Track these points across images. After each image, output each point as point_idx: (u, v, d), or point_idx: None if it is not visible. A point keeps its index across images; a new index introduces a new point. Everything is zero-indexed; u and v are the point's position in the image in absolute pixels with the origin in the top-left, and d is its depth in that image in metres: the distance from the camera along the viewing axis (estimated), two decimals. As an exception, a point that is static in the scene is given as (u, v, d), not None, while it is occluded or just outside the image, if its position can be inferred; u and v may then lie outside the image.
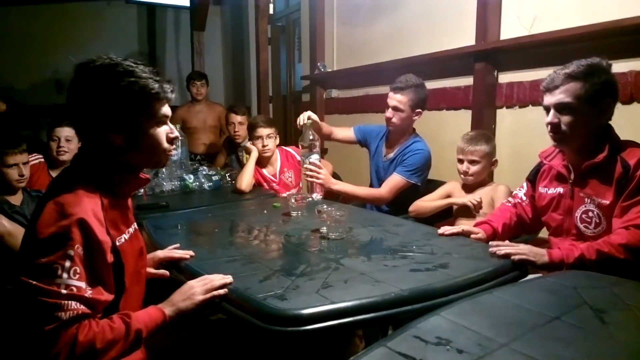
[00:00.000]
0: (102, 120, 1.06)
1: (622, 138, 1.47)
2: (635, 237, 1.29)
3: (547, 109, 1.48)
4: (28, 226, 1.03)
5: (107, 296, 1.01)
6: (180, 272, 1.35)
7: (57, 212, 0.97)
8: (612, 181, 1.38)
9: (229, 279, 1.15)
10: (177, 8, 5.40)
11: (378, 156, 2.52)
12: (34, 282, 0.92)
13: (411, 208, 2.22)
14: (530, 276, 1.33)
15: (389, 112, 2.31)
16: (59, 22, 5.01)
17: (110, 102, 1.05)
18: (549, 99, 1.45)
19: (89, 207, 1.00)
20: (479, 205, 1.98)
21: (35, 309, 0.92)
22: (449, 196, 2.19)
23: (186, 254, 1.38)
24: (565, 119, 1.42)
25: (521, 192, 1.71)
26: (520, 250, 1.34)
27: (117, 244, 1.08)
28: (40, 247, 0.94)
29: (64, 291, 0.92)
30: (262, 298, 1.05)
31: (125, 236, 1.13)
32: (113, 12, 5.27)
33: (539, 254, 1.35)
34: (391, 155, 2.43)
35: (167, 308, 1.09)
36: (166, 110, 1.14)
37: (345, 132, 2.67)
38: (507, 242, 1.42)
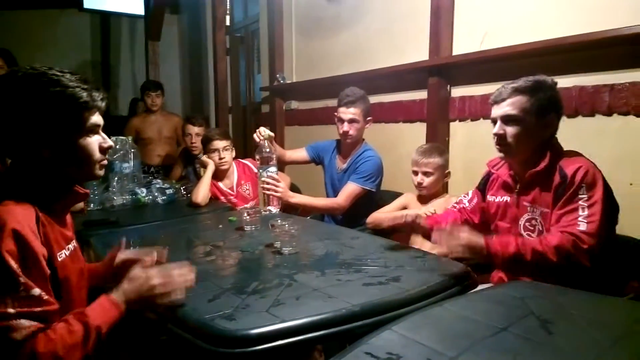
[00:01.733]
0: (28, 134, 1.01)
1: (576, 151, 1.51)
2: (568, 242, 1.32)
3: (494, 121, 1.52)
4: None
5: (56, 304, 0.97)
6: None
7: None
8: (551, 190, 1.43)
9: (191, 277, 1.12)
10: (132, 17, 5.29)
11: (332, 168, 2.56)
12: None
13: (368, 220, 2.24)
14: (480, 286, 1.35)
15: (345, 126, 2.37)
16: (10, 30, 4.83)
17: (36, 115, 1.00)
18: (496, 111, 1.50)
19: (21, 218, 0.95)
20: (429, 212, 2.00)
21: None
22: (405, 207, 2.22)
23: (151, 258, 1.30)
24: (511, 130, 1.47)
25: (465, 199, 1.75)
26: (458, 247, 1.37)
27: (59, 259, 1.03)
28: None
29: (11, 310, 0.88)
30: (210, 319, 1.02)
31: (66, 252, 1.08)
32: (66, 20, 5.13)
33: (477, 247, 1.37)
34: (344, 166, 2.48)
35: (122, 303, 1.04)
36: (96, 119, 1.09)
37: (298, 153, 2.70)
38: (448, 232, 1.42)
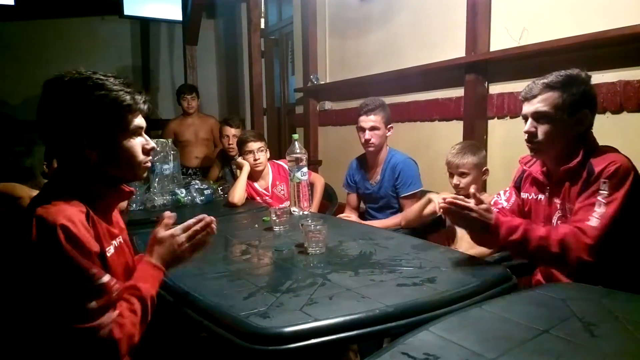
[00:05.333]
0: (74, 136, 1.04)
1: (613, 147, 1.46)
2: (573, 235, 1.29)
3: (525, 118, 1.49)
4: (18, 248, 0.99)
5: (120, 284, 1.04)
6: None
7: (41, 229, 0.95)
8: (578, 186, 1.39)
9: (212, 222, 1.20)
10: (171, 22, 5.42)
11: (364, 185, 2.58)
12: (58, 308, 0.92)
13: (400, 218, 2.22)
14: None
15: (367, 135, 2.41)
16: (53, 38, 5.04)
17: (81, 118, 1.04)
18: (527, 108, 1.46)
19: (71, 214, 0.98)
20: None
21: (70, 335, 0.93)
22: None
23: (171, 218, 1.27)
24: (542, 128, 1.43)
25: (502, 199, 1.69)
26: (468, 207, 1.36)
27: (107, 254, 1.07)
28: (43, 270, 0.93)
29: (94, 304, 0.94)
30: (245, 316, 1.03)
31: (112, 248, 1.11)
32: (107, 27, 5.30)
33: (486, 222, 1.35)
34: (378, 177, 2.50)
35: (162, 266, 1.13)
36: (139, 121, 1.12)
37: (353, 200, 2.67)
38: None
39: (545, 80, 1.42)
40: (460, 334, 0.93)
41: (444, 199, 1.41)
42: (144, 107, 1.13)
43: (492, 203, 1.72)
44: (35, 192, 1.76)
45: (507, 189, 1.71)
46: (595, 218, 1.30)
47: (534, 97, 1.43)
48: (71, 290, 0.93)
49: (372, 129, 2.40)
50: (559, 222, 1.46)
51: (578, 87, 1.40)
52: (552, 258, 1.31)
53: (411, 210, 2.17)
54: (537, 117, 1.43)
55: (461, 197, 1.43)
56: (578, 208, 1.36)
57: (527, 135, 1.47)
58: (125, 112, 1.08)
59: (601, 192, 1.32)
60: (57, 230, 0.93)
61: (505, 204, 1.68)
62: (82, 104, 1.03)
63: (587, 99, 1.41)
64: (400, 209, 2.45)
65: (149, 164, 1.18)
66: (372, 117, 2.39)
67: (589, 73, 1.45)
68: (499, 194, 1.71)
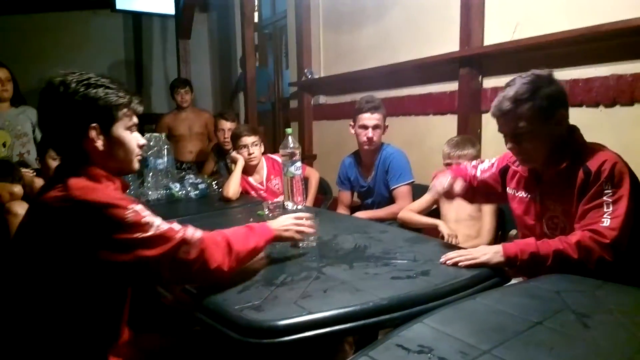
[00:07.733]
0: (75, 131, 1.12)
1: (605, 142, 1.45)
2: (589, 238, 1.28)
3: (504, 135, 1.45)
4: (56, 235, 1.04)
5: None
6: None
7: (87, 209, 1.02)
8: (575, 187, 1.37)
9: (312, 230, 1.46)
10: (163, 16, 5.38)
11: (359, 181, 2.60)
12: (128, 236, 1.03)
13: (400, 215, 2.22)
14: (513, 281, 1.33)
15: (370, 133, 2.41)
16: (45, 32, 4.99)
17: (81, 116, 1.11)
18: (502, 127, 1.44)
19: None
20: (456, 241, 1.93)
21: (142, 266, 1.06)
22: (437, 201, 2.18)
23: None
24: (525, 144, 1.41)
25: (479, 168, 1.67)
26: (471, 255, 1.31)
27: None
28: (102, 224, 1.03)
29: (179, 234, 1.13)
30: (239, 309, 1.04)
31: None
32: (99, 21, 5.25)
33: (491, 251, 1.32)
34: (373, 173, 2.51)
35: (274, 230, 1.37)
36: (135, 119, 1.22)
37: (346, 198, 2.68)
38: (458, 250, 1.38)
39: (511, 94, 1.37)
40: (454, 326, 0.93)
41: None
42: (137, 106, 1.22)
43: (474, 165, 1.71)
44: (15, 187, 1.77)
45: (493, 161, 1.68)
46: (608, 218, 1.29)
47: (506, 114, 1.39)
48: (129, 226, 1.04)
49: (375, 127, 2.41)
50: (549, 221, 1.46)
51: (545, 89, 1.36)
52: (573, 265, 1.27)
53: (412, 218, 2.16)
54: (516, 135, 1.41)
55: (461, 249, 1.40)
56: (585, 210, 1.34)
57: (511, 152, 1.47)
58: (123, 111, 1.17)
59: (605, 192, 1.31)
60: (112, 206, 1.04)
61: (479, 174, 1.66)
62: (83, 101, 1.10)
63: (556, 99, 1.38)
64: (392, 202, 2.46)
65: (140, 157, 1.27)
66: (376, 115, 2.40)
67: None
68: (481, 161, 1.70)
